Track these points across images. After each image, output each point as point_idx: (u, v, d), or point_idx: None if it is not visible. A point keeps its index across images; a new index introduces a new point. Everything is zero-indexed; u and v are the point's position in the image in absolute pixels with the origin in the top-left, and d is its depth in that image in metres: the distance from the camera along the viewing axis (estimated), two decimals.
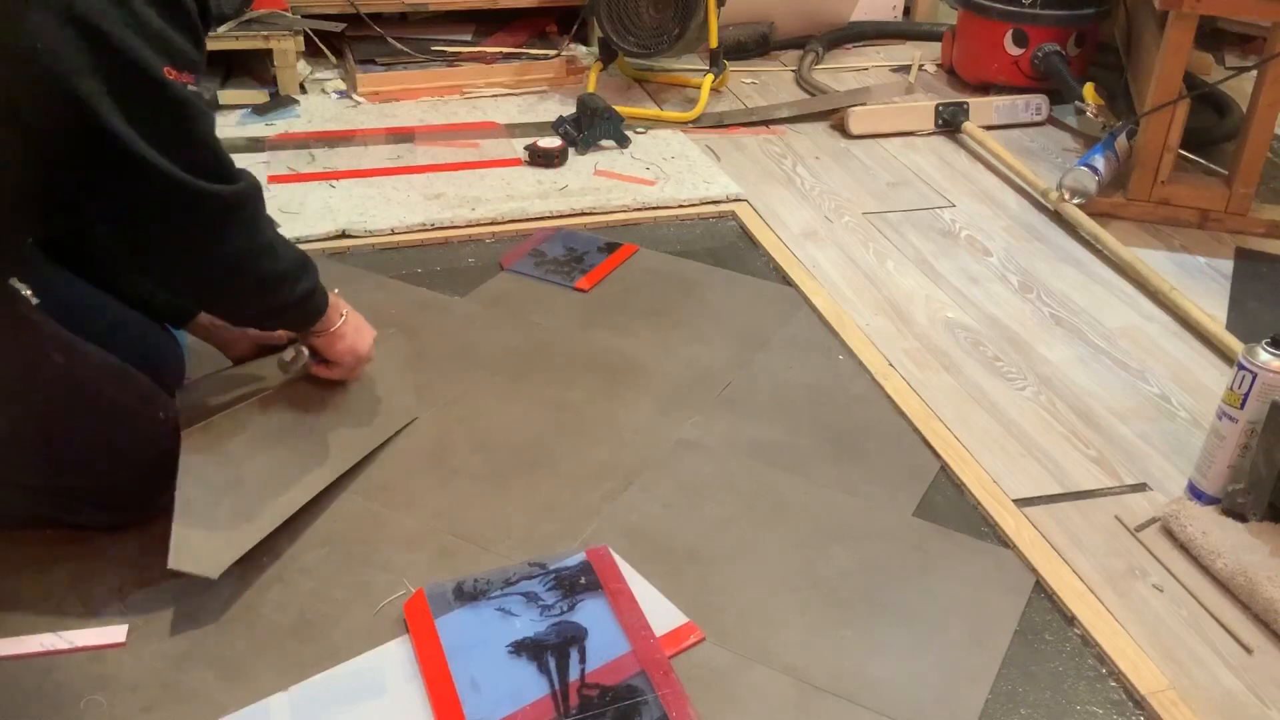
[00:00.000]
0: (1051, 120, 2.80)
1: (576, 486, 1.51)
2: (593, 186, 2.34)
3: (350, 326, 1.51)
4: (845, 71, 3.11)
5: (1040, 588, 1.37)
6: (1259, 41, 3.01)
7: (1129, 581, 1.38)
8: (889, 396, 1.71)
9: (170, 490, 1.40)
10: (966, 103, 2.72)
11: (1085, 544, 1.44)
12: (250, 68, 2.76)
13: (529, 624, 1.27)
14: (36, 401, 1.28)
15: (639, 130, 2.62)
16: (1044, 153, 2.63)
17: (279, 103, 2.65)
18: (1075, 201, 2.26)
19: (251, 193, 1.27)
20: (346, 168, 2.36)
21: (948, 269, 2.10)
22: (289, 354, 1.50)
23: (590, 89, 2.78)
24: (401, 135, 2.54)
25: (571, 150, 2.47)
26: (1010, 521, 1.46)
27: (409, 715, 1.17)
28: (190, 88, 1.19)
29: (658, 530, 1.44)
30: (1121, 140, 2.38)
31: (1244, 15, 2.71)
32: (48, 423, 1.29)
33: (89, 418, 1.32)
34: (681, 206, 2.28)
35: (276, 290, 1.34)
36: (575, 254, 2.08)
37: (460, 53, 2.90)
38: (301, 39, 2.70)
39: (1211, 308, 1.97)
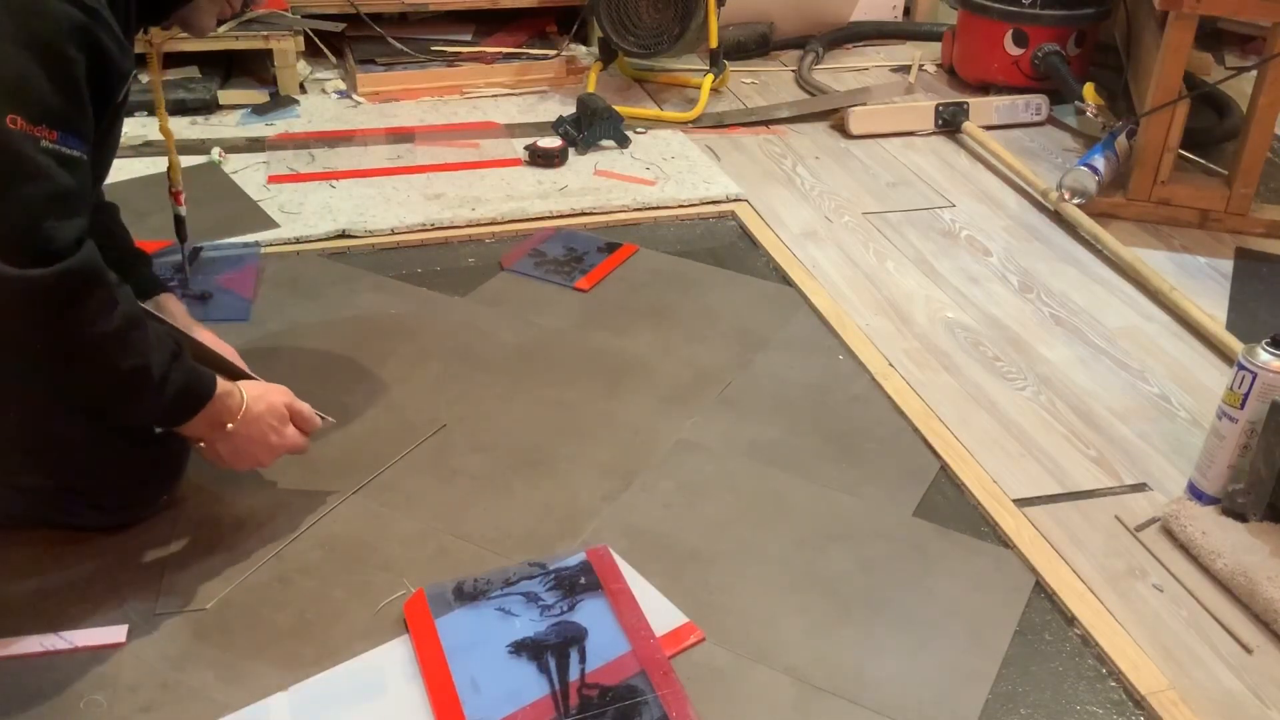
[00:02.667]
0: (1051, 120, 2.80)
1: (576, 486, 1.51)
2: (593, 186, 2.34)
3: (228, 445, 1.32)
4: (845, 71, 3.11)
5: (1040, 588, 1.37)
6: (1259, 41, 3.01)
7: (1129, 581, 1.38)
8: (889, 396, 1.71)
9: (170, 490, 1.40)
10: (966, 103, 2.72)
11: (1085, 544, 1.44)
12: (250, 68, 2.76)
13: (529, 624, 1.27)
14: (32, 400, 1.27)
15: (639, 130, 2.62)
16: (1044, 153, 2.63)
17: (279, 103, 2.65)
18: (1075, 201, 2.26)
19: (79, 276, 1.10)
20: (346, 168, 2.36)
21: (948, 269, 2.10)
22: None
23: (590, 89, 2.78)
24: (401, 135, 2.54)
25: (571, 150, 2.47)
26: (1010, 521, 1.46)
27: (409, 715, 1.17)
28: (44, 144, 1.08)
29: (658, 530, 1.44)
30: (1121, 140, 2.38)
31: (1244, 15, 2.70)
32: (42, 420, 1.28)
33: (83, 418, 1.31)
34: (681, 206, 2.28)
35: (94, 387, 1.19)
36: (575, 254, 2.08)
37: (460, 53, 2.91)
38: (301, 39, 2.70)
39: (1211, 308, 1.97)
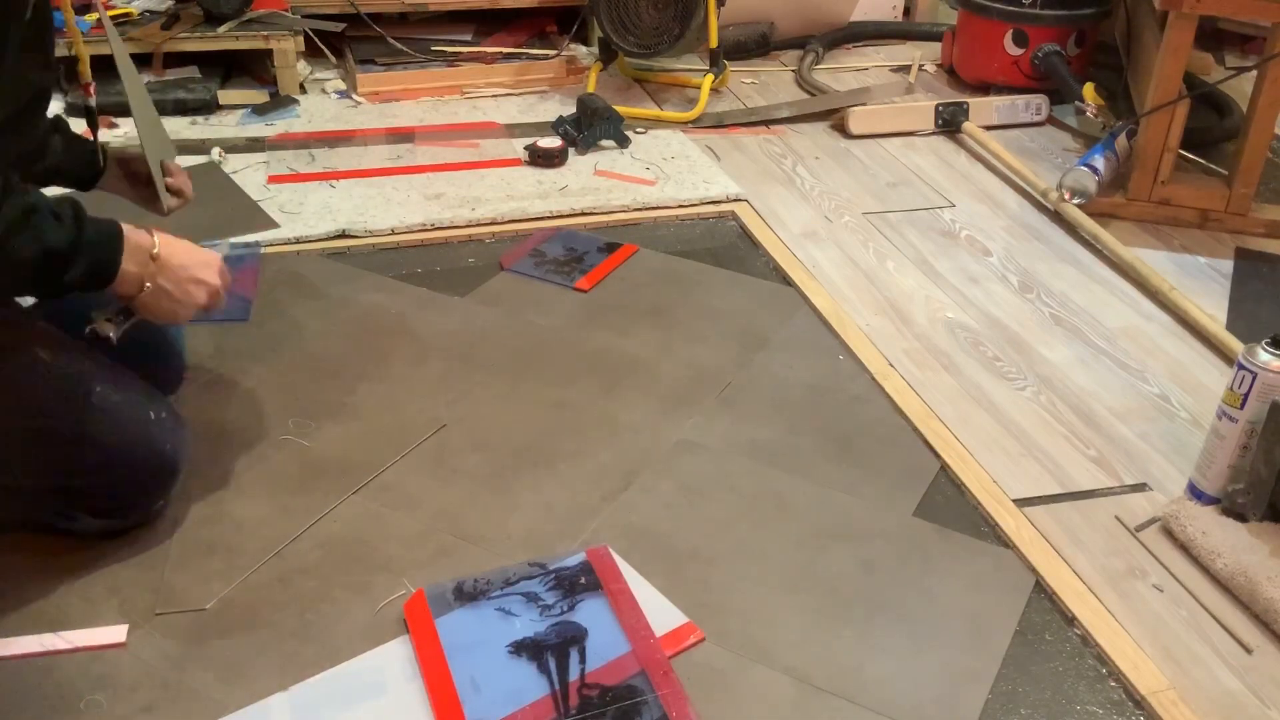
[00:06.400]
0: (1051, 120, 2.80)
1: (576, 486, 1.51)
2: (593, 186, 2.34)
3: (162, 293, 1.31)
4: (845, 71, 3.11)
5: (1040, 588, 1.37)
6: (1259, 41, 3.01)
7: (1129, 581, 1.38)
8: (889, 396, 1.71)
9: (166, 495, 1.39)
10: (966, 103, 2.72)
11: (1085, 544, 1.44)
12: (250, 68, 2.76)
13: (529, 624, 1.27)
14: (25, 399, 1.27)
15: (639, 130, 2.62)
16: (1044, 153, 2.63)
17: (279, 103, 2.65)
18: (1075, 201, 2.26)
19: None
20: (346, 168, 2.36)
21: (948, 269, 2.10)
22: (101, 330, 1.33)
23: (590, 89, 2.78)
24: (401, 135, 2.54)
25: (571, 150, 2.47)
26: (1010, 521, 1.46)
27: (409, 715, 1.17)
28: None
29: (658, 530, 1.44)
30: (1121, 140, 2.38)
31: (1244, 15, 2.71)
32: (35, 420, 1.28)
33: (77, 416, 1.30)
34: (681, 206, 2.28)
35: (10, 281, 1.24)
36: (575, 254, 2.08)
37: (460, 53, 2.91)
38: (301, 39, 2.70)
39: (1211, 308, 1.97)
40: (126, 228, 1.28)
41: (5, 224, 1.18)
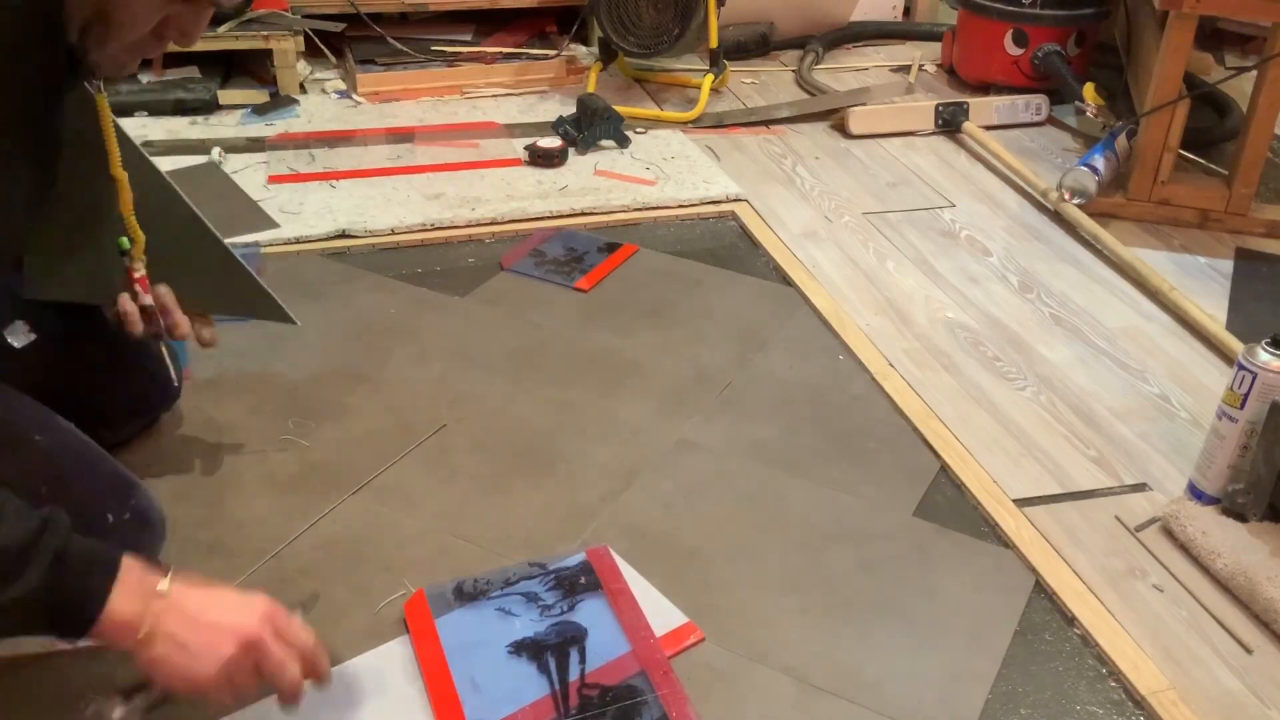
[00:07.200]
0: (1051, 120, 2.80)
1: (576, 486, 1.51)
2: (593, 186, 2.34)
3: (170, 644, 0.98)
4: (845, 71, 3.11)
5: (1040, 588, 1.37)
6: (1259, 41, 3.00)
7: (1129, 581, 1.38)
8: (889, 396, 1.71)
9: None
10: (966, 103, 2.72)
11: (1085, 544, 1.44)
12: (250, 68, 2.76)
13: (529, 624, 1.27)
14: None
15: (639, 130, 2.62)
16: (1044, 153, 2.63)
17: (279, 103, 2.65)
18: (1075, 201, 2.26)
19: None
20: (346, 168, 2.36)
21: (948, 269, 2.10)
22: (90, 711, 1.06)
23: (590, 89, 2.78)
24: (401, 135, 2.54)
25: (571, 150, 2.47)
26: (1010, 521, 1.46)
27: (409, 715, 1.17)
28: None
29: (658, 530, 1.44)
30: (1121, 140, 2.38)
31: (1244, 15, 2.71)
32: None
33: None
34: (681, 206, 2.28)
35: None
36: (575, 254, 2.08)
37: (460, 53, 2.91)
38: (301, 39, 2.70)
39: (1211, 308, 1.97)
40: (129, 558, 0.99)
41: None
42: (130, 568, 0.98)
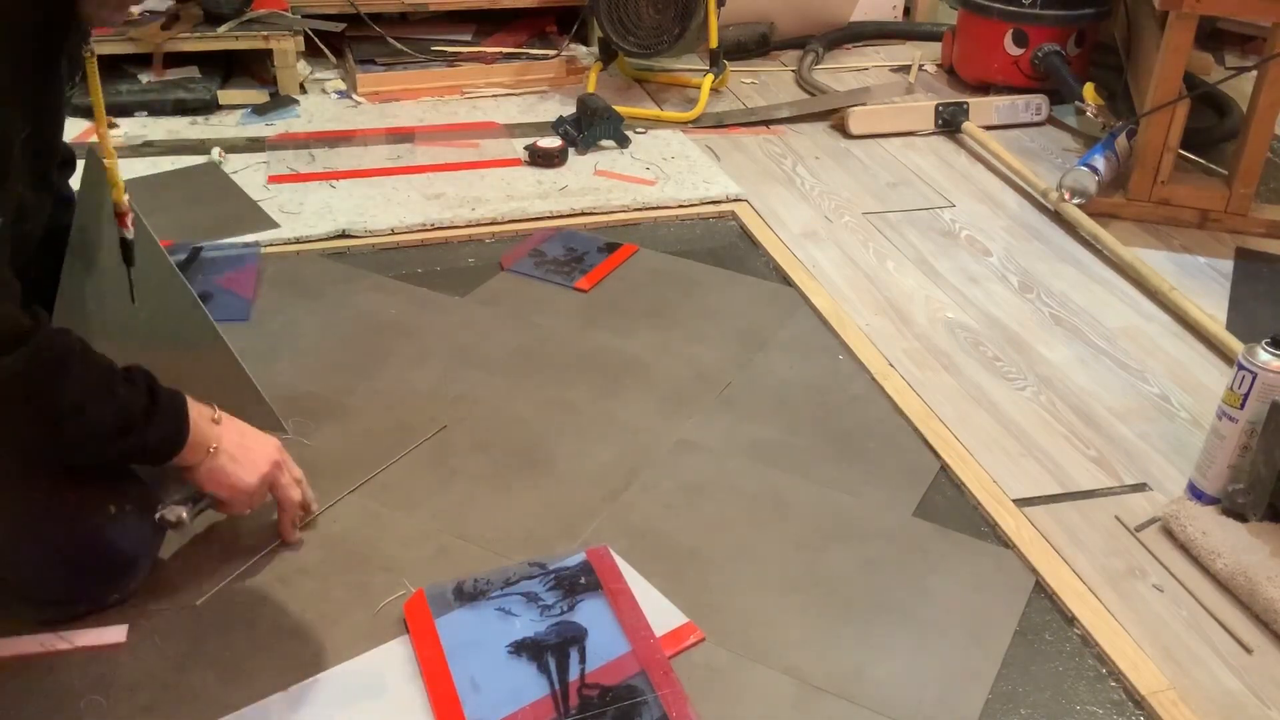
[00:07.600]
0: (1051, 120, 2.80)
1: (576, 486, 1.51)
2: (593, 186, 2.34)
3: (226, 457, 1.27)
4: (845, 71, 3.11)
5: (1040, 588, 1.37)
6: (1259, 41, 3.01)
7: (1129, 581, 1.38)
8: (889, 396, 1.71)
9: (122, 588, 1.26)
10: (966, 103, 2.72)
11: (1085, 544, 1.44)
12: (250, 68, 2.76)
13: (529, 624, 1.27)
14: None
15: (639, 130, 2.62)
16: (1044, 153, 2.63)
17: (279, 103, 2.65)
18: (1075, 201, 2.26)
19: (38, 362, 1.07)
20: (346, 168, 2.36)
21: (948, 269, 2.10)
22: (172, 514, 1.26)
23: (590, 89, 2.78)
24: (401, 135, 2.54)
25: (571, 150, 2.47)
26: (1010, 521, 1.46)
27: (409, 715, 1.17)
28: None
29: (658, 530, 1.44)
30: (1121, 140, 2.38)
31: (1244, 15, 2.71)
32: None
33: (14, 506, 1.17)
34: (681, 206, 2.28)
35: (91, 450, 1.16)
36: (575, 254, 2.08)
37: (460, 53, 2.91)
38: (301, 39, 2.70)
39: (1211, 308, 1.97)
40: (190, 400, 1.24)
41: (98, 372, 1.14)
42: (190, 401, 1.24)
